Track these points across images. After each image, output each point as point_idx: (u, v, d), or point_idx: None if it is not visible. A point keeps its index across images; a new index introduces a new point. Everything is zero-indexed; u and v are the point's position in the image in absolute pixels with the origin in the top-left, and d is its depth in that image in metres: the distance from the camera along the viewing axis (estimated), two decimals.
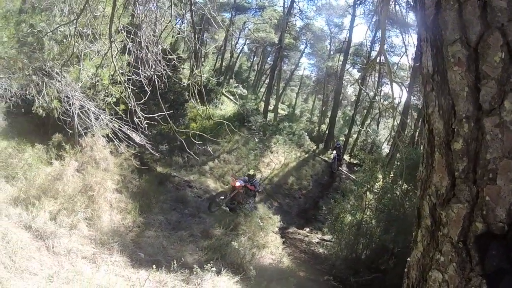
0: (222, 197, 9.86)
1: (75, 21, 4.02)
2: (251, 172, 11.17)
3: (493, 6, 0.93)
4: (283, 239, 9.78)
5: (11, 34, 6.34)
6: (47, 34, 6.46)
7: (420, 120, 19.67)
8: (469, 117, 1.03)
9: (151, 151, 5.85)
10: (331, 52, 28.93)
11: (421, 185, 1.26)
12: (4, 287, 3.62)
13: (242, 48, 34.21)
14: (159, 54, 4.08)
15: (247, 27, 29.77)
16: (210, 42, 29.57)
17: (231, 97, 23.19)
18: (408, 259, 1.32)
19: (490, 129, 0.98)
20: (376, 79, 26.07)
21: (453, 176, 1.09)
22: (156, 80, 3.97)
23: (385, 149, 24.39)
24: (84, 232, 6.09)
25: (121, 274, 5.35)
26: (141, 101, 4.22)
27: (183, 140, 4.72)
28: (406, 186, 8.22)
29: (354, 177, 16.78)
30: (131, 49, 3.66)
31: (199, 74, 4.37)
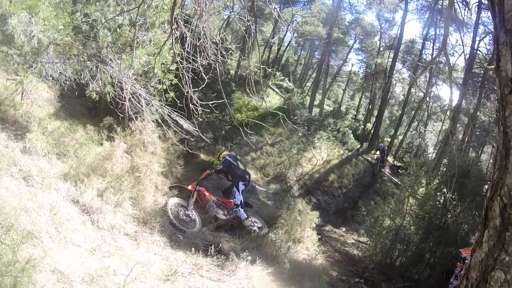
0: (185, 211, 7.20)
1: (136, 9, 4.19)
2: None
3: None
4: (319, 236, 9.72)
5: (66, 22, 6.68)
6: (102, 24, 6.75)
7: (470, 125, 18.79)
8: None
9: (203, 137, 5.98)
10: (381, 49, 27.95)
11: (492, 186, 1.25)
12: (47, 255, 3.81)
13: (290, 41, 34.01)
14: (219, 43, 4.16)
15: (295, 20, 29.50)
16: (257, 34, 29.49)
17: (277, 90, 23.16)
18: (467, 261, 1.31)
19: None
20: (427, 79, 25.02)
21: None
22: (214, 68, 4.06)
23: (431, 154, 23.50)
24: (128, 210, 6.36)
25: (160, 253, 5.56)
26: (199, 88, 4.33)
27: (240, 128, 4.75)
28: (450, 195, 7.89)
29: (396, 180, 16.33)
30: (188, 38, 3.76)
31: (258, 64, 4.41)
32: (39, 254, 3.72)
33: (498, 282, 1.11)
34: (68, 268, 3.88)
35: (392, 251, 8.42)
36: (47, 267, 3.68)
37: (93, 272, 4.06)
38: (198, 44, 3.82)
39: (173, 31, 3.59)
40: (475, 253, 1.27)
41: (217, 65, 4.00)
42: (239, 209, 7.98)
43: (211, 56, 3.99)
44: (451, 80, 3.49)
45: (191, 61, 4.03)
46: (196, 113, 4.48)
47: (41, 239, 4.18)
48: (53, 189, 5.56)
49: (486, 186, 7.21)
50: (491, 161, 25.61)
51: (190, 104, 4.30)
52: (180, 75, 4.11)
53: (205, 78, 3.99)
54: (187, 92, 4.03)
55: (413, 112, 25.61)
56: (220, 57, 4.14)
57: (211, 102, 4.36)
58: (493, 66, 1.24)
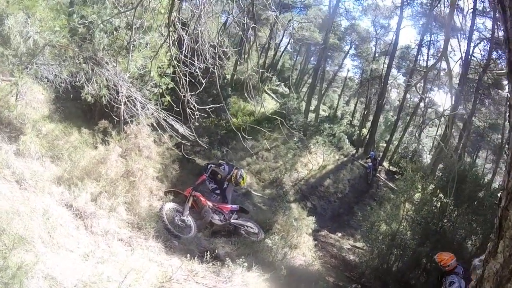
0: (180, 217, 7.20)
1: (132, 11, 4.13)
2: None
3: None
4: (315, 242, 9.67)
5: (62, 24, 6.60)
6: (98, 26, 6.70)
7: (466, 131, 18.88)
8: None
9: (199, 141, 5.91)
10: (376, 54, 28.04)
11: (507, 195, 1.20)
12: (40, 260, 3.72)
13: (286, 46, 34.05)
14: (218, 46, 4.11)
15: (292, 25, 29.52)
16: (253, 39, 29.50)
17: (273, 95, 23.15)
18: (478, 271, 1.25)
19: None
20: (422, 85, 25.13)
21: None
22: (210, 72, 4.02)
23: (426, 159, 23.56)
24: (123, 215, 6.27)
25: (155, 259, 5.48)
26: (196, 92, 4.27)
27: (238, 132, 4.69)
28: (450, 200, 7.88)
29: (392, 185, 16.33)
30: (186, 41, 3.71)
31: (256, 68, 4.36)
32: (31, 259, 3.62)
33: None
34: (60, 274, 3.79)
35: (388, 256, 8.40)
36: (39, 273, 3.59)
37: (87, 278, 3.98)
38: (195, 47, 3.77)
39: (170, 33, 3.53)
40: (488, 264, 1.20)
41: (215, 68, 3.94)
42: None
43: (208, 59, 3.94)
44: (451, 85, 3.45)
45: (188, 64, 3.98)
46: (193, 117, 4.42)
47: (34, 244, 4.08)
48: (47, 193, 5.46)
49: (482, 191, 7.03)
50: (486, 166, 25.80)
51: (187, 108, 4.23)
52: (177, 78, 4.05)
53: (202, 82, 3.93)
54: (184, 96, 3.96)
55: (408, 117, 25.74)
56: (218, 60, 4.09)
57: (209, 107, 4.30)
58: (504, 71, 1.19)
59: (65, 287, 3.68)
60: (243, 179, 8.18)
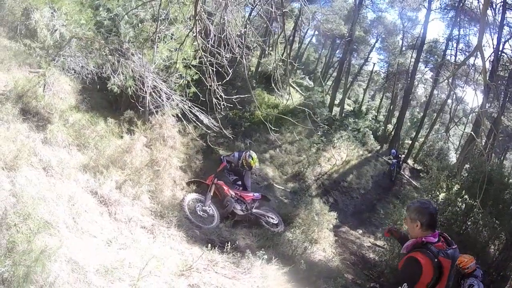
0: (202, 207, 7.30)
1: (157, 2, 4.15)
2: None
3: None
4: (336, 238, 9.58)
5: (88, 17, 6.74)
6: (123, 17, 6.79)
7: (494, 130, 18.17)
8: None
9: (225, 132, 5.92)
10: (403, 48, 27.21)
11: None
12: (63, 245, 3.80)
13: (311, 39, 33.64)
14: (244, 35, 4.08)
15: (317, 17, 29.06)
16: (278, 31, 29.29)
17: (297, 88, 22.94)
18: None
19: None
20: (450, 81, 24.27)
21: None
22: (237, 63, 4.01)
23: (453, 158, 22.91)
24: (146, 203, 6.40)
25: (176, 247, 5.56)
26: (223, 81, 4.25)
27: (266, 123, 4.66)
28: (477, 202, 7.60)
29: (416, 183, 15.95)
30: (212, 31, 3.69)
31: (283, 58, 4.33)
32: (55, 243, 3.71)
33: None
34: (83, 259, 3.88)
35: None
36: (63, 257, 3.67)
37: (108, 263, 4.06)
38: (222, 36, 3.75)
39: (197, 23, 3.52)
40: None
41: (243, 57, 3.91)
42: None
43: (235, 49, 3.91)
44: (485, 79, 3.28)
45: (215, 53, 3.96)
46: (219, 107, 4.42)
47: (58, 228, 4.19)
48: (72, 180, 5.60)
49: (509, 193, 6.67)
50: None
51: (214, 98, 4.22)
52: (204, 68, 4.05)
53: (230, 72, 3.92)
54: (211, 86, 3.96)
55: (435, 114, 25.05)
56: (245, 49, 4.06)
57: (235, 97, 4.28)
58: None
59: (87, 271, 3.75)
60: (252, 159, 8.21)
